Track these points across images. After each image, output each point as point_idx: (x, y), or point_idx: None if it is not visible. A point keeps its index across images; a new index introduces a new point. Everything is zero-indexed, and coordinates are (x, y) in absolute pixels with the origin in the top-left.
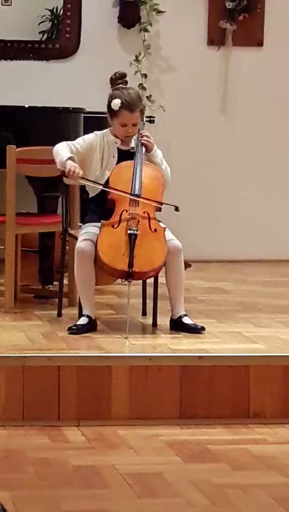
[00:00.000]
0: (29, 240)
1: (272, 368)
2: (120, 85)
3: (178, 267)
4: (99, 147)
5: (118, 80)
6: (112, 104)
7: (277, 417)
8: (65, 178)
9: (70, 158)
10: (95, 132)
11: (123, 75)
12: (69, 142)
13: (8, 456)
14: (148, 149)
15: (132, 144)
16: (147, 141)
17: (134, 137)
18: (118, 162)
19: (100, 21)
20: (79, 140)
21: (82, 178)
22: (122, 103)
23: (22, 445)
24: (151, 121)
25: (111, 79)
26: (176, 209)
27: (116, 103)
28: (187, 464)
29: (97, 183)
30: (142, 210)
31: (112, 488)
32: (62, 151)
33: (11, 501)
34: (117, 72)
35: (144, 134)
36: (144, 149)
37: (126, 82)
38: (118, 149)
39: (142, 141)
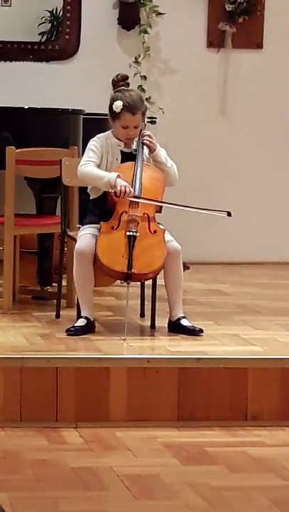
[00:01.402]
0: (28, 241)
1: (271, 370)
2: (122, 87)
3: (177, 269)
4: (104, 150)
5: (120, 82)
6: (113, 106)
7: (275, 419)
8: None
9: (118, 177)
10: (98, 136)
11: (125, 77)
12: (89, 160)
13: (6, 458)
14: (151, 150)
15: (134, 146)
16: (149, 141)
17: (136, 138)
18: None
19: (100, 23)
20: (91, 154)
21: (135, 196)
22: (123, 105)
23: (20, 446)
24: (153, 122)
25: (113, 80)
26: (229, 214)
27: (118, 105)
28: (185, 466)
29: (156, 201)
30: (142, 212)
31: (110, 489)
32: (99, 172)
33: (8, 502)
34: (119, 74)
35: (145, 134)
36: (145, 150)
37: (128, 84)
38: (121, 152)
39: (144, 141)
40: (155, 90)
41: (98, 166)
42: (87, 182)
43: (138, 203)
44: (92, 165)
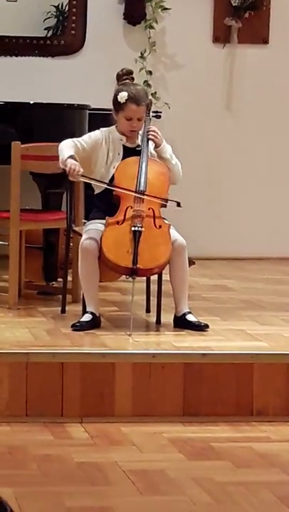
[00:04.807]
0: (33, 236)
1: (276, 365)
2: (127, 81)
3: (182, 264)
4: (104, 144)
5: (125, 76)
6: (118, 96)
7: (280, 414)
8: (70, 177)
9: (70, 157)
10: (101, 129)
11: (130, 72)
12: (74, 139)
13: (12, 453)
14: (156, 144)
15: (139, 142)
16: (154, 136)
17: (141, 133)
18: (123, 159)
19: (106, 18)
20: (85, 137)
21: (83, 176)
22: (128, 96)
23: (25, 441)
24: (158, 117)
25: (118, 75)
26: (178, 204)
27: (123, 95)
28: (190, 462)
29: (100, 181)
30: (147, 207)
31: (115, 484)
32: (64, 149)
33: (13, 497)
34: (124, 69)
35: (151, 129)
36: (150, 145)
37: (132, 79)
38: (124, 146)
39: (149, 136)
40: (161, 85)
41: (96, 160)
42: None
43: (143, 198)
44: (74, 144)
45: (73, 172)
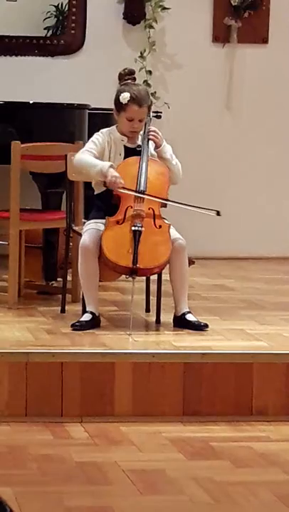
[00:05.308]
0: (33, 235)
1: (276, 365)
2: (129, 81)
3: (182, 264)
4: (107, 146)
5: (127, 76)
6: (120, 97)
7: (280, 414)
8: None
9: (111, 166)
10: (101, 131)
11: (132, 72)
12: (86, 150)
13: (11, 452)
14: (157, 145)
15: (139, 142)
16: (155, 136)
17: (141, 133)
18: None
19: (105, 17)
20: (91, 145)
21: (124, 188)
22: (130, 97)
23: (25, 441)
24: (158, 117)
25: (120, 74)
26: (218, 213)
27: (125, 96)
28: (190, 461)
29: (136, 191)
30: (147, 207)
31: (115, 484)
32: (93, 160)
33: (13, 497)
34: (126, 68)
35: (151, 129)
36: (151, 146)
37: (134, 79)
38: (125, 147)
39: (149, 136)
40: (160, 85)
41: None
42: (80, 169)
43: (143, 198)
44: (89, 154)
45: (114, 184)
